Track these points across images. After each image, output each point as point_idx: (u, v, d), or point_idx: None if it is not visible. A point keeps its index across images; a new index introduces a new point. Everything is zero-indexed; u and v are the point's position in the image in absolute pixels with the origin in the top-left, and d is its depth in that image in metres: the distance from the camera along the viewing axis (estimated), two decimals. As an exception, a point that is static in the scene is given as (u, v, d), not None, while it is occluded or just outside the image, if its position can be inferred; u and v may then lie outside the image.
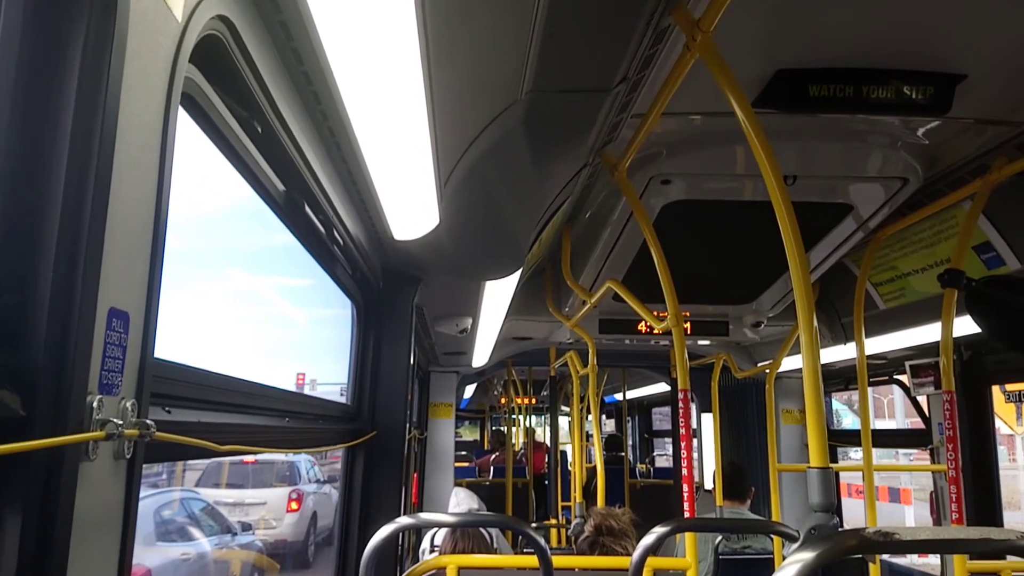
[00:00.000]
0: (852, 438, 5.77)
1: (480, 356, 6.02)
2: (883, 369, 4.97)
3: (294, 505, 10.27)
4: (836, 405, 9.09)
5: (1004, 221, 3.06)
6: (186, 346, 1.43)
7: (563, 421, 13.57)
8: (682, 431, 2.86)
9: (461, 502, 3.99)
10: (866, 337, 3.69)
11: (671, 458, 9.43)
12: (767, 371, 4.96)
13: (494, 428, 16.53)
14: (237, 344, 3.11)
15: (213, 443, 1.31)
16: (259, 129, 1.52)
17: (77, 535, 0.82)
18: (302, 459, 10.86)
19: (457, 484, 6.64)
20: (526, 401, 10.99)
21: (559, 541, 7.22)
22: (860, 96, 2.21)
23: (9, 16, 0.78)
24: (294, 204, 1.93)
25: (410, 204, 2.26)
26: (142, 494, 0.99)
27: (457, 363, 6.48)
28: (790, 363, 5.03)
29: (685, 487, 2.86)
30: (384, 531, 2.12)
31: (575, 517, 5.01)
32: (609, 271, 3.75)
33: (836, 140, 2.61)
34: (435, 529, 3.65)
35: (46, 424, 0.77)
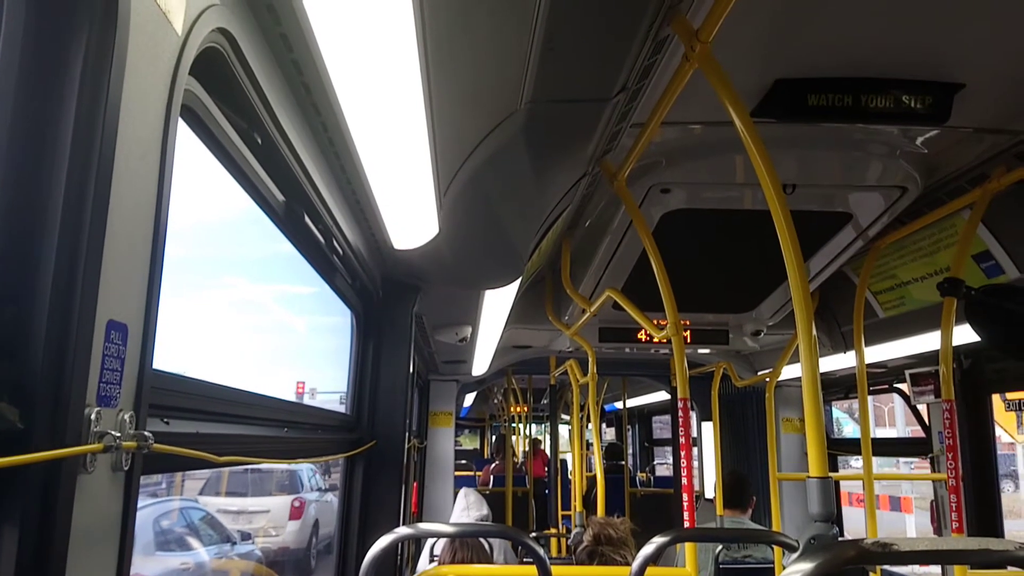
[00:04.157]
0: (852, 447, 5.77)
1: (480, 365, 6.02)
2: (883, 378, 4.96)
3: (296, 513, 10.33)
4: (836, 414, 9.08)
5: (1003, 230, 3.06)
6: (185, 357, 1.43)
7: (563, 430, 13.54)
8: (682, 440, 2.85)
9: (471, 505, 3.95)
10: (866, 346, 3.69)
11: (671, 467, 9.42)
12: (767, 380, 4.95)
13: (495, 436, 16.50)
14: (236, 354, 3.11)
15: (211, 454, 1.31)
16: (259, 140, 1.52)
17: (75, 547, 0.82)
18: (304, 468, 10.91)
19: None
20: (525, 409, 10.97)
21: (559, 550, 7.19)
22: (859, 105, 2.21)
23: (9, 29, 0.78)
24: (294, 214, 1.93)
25: (409, 213, 2.27)
26: (141, 503, 0.99)
27: (457, 372, 6.47)
28: (790, 371, 5.03)
29: (685, 496, 2.85)
30: (383, 541, 2.12)
31: (575, 526, 5.00)
32: (609, 280, 3.76)
33: (835, 149, 2.62)
34: (434, 539, 3.64)
35: (44, 437, 0.77)
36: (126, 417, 0.91)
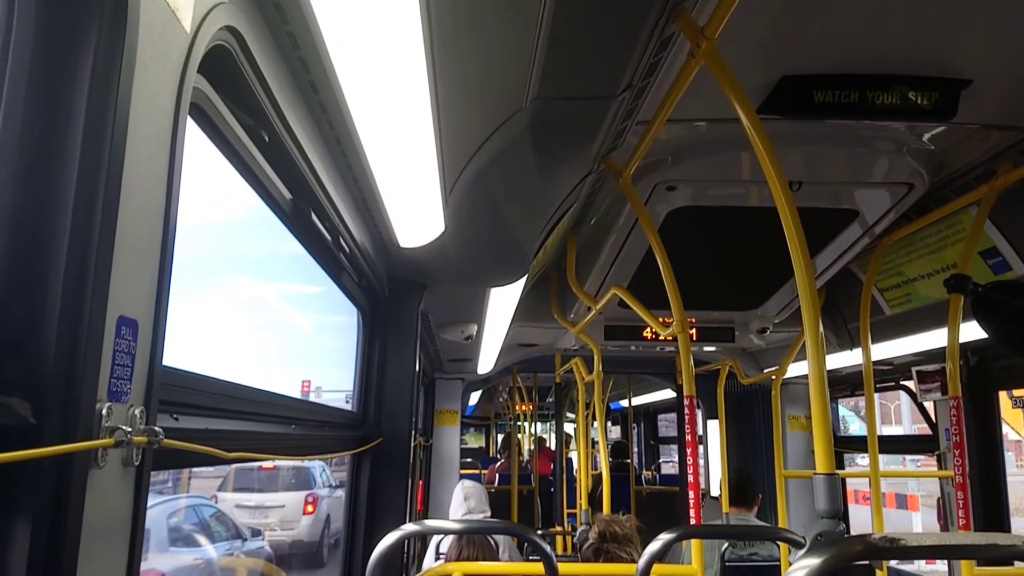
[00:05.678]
0: (859, 444, 5.76)
1: (485, 363, 6.02)
2: (889, 375, 4.95)
3: (309, 508, 10.72)
4: (843, 411, 9.06)
5: (1010, 226, 3.05)
6: (192, 354, 1.44)
7: (569, 428, 13.55)
8: (688, 438, 2.84)
9: (470, 495, 3.94)
10: (872, 343, 3.68)
11: (677, 465, 9.42)
12: (773, 377, 4.94)
13: (501, 435, 16.50)
14: (242, 352, 3.12)
15: (220, 450, 1.32)
16: (266, 138, 1.53)
17: (86, 542, 0.82)
18: (316, 464, 11.12)
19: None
20: (531, 408, 10.98)
21: (565, 548, 7.20)
22: (865, 102, 2.21)
23: (20, 28, 0.79)
24: (300, 212, 1.94)
25: (416, 211, 2.27)
26: (154, 501, 0.99)
27: (462, 370, 6.48)
28: (796, 369, 5.02)
29: (691, 494, 2.85)
30: (389, 538, 2.13)
31: (581, 524, 5.00)
32: (614, 277, 3.75)
33: (841, 146, 2.61)
34: (441, 536, 3.64)
35: (56, 431, 0.78)
36: (136, 412, 0.92)
